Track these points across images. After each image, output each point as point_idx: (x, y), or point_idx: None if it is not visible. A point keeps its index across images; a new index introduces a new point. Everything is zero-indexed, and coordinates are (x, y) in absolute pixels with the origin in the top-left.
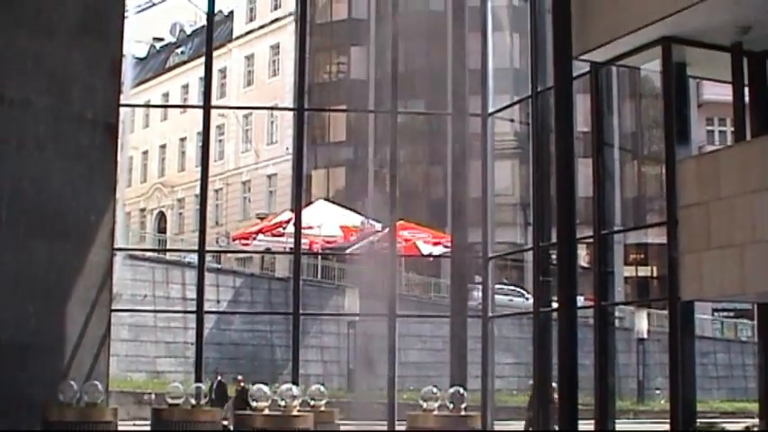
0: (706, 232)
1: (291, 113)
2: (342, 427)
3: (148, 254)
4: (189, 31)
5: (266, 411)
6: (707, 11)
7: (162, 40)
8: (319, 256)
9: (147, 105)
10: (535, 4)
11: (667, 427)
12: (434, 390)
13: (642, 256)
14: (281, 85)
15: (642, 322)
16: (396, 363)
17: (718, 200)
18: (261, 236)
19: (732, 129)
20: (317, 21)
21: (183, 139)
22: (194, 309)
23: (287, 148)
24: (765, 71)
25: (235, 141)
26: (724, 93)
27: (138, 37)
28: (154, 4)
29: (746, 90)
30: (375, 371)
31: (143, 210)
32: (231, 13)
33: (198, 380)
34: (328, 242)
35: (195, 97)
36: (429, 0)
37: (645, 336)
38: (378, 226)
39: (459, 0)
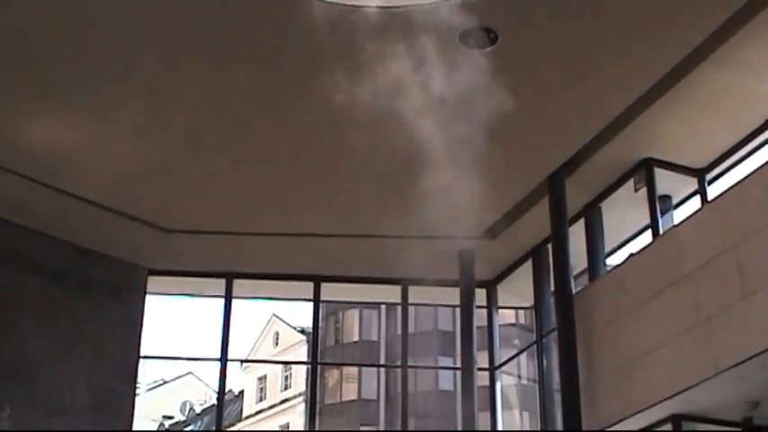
0: None
1: None
2: None
3: None
4: (199, 410)
5: None
6: (716, 388)
7: (172, 417)
8: None
9: None
10: (543, 384)
11: None
12: None
13: None
14: None
15: None
16: None
17: None
18: None
19: None
20: (326, 401)
21: None
22: None
23: None
24: None
25: None
26: None
27: (147, 414)
28: (165, 382)
29: None
30: None
31: None
32: (241, 392)
33: None
34: None
35: None
36: (438, 380)
37: None
38: None
39: (467, 380)
